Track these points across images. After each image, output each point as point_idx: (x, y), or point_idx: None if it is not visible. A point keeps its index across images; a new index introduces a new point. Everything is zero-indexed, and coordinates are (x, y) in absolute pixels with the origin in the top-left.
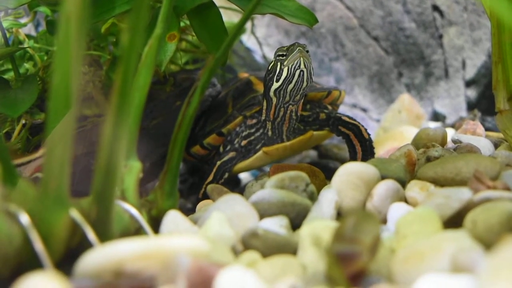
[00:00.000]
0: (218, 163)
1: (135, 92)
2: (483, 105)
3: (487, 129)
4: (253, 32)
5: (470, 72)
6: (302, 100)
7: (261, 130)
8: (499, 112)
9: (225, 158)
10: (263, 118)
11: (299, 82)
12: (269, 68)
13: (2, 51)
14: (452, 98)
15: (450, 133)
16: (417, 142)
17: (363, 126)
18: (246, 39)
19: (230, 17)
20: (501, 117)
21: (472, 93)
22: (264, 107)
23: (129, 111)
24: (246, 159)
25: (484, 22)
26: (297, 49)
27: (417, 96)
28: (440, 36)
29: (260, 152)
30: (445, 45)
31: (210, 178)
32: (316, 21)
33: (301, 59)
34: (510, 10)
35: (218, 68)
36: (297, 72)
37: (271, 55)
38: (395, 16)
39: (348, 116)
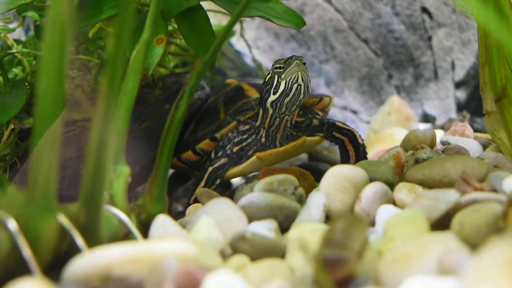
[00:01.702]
0: (210, 169)
1: (123, 96)
2: (473, 106)
3: (476, 130)
4: (242, 35)
5: (459, 74)
6: (297, 110)
7: (253, 136)
8: (487, 114)
9: (217, 164)
10: (257, 124)
11: (296, 95)
12: (266, 79)
13: None
14: (442, 99)
15: (440, 134)
16: (406, 144)
17: (357, 131)
18: (236, 42)
19: (220, 20)
20: (488, 118)
21: (461, 94)
22: (260, 115)
23: (116, 115)
24: (238, 165)
25: (472, 24)
26: (295, 62)
27: (406, 98)
28: (429, 38)
29: (253, 158)
30: (434, 46)
31: (202, 183)
32: (304, 23)
33: (299, 73)
34: (495, 20)
35: (206, 71)
36: (295, 86)
37: (260, 58)
38: (384, 18)
39: (341, 122)
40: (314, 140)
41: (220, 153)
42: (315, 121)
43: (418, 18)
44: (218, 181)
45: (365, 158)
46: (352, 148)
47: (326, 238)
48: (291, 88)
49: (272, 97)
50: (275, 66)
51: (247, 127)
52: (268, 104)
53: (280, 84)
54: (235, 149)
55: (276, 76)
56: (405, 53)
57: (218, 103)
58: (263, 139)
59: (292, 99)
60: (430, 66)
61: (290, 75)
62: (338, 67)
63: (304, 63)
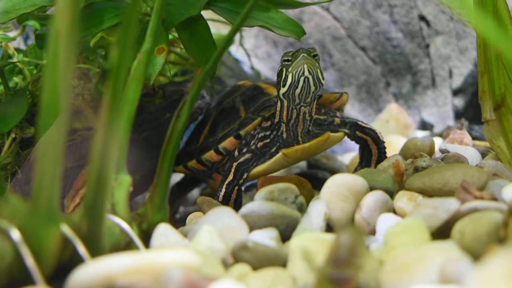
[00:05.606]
0: (235, 164)
1: (125, 106)
2: (470, 114)
3: (474, 138)
4: (241, 44)
5: (457, 81)
6: (315, 102)
7: (274, 132)
8: (486, 122)
9: (242, 159)
10: (276, 120)
11: (306, 88)
12: (278, 71)
13: None
14: (440, 107)
15: (438, 142)
16: (405, 152)
17: (377, 129)
18: (235, 50)
19: (219, 29)
20: (487, 127)
21: (459, 101)
22: (278, 109)
23: (119, 125)
24: (263, 163)
25: (470, 31)
26: (301, 55)
27: (404, 106)
28: (427, 46)
29: (279, 155)
30: (432, 54)
31: (230, 177)
32: (304, 33)
33: (305, 66)
34: (494, 29)
35: (207, 80)
36: (302, 78)
37: (259, 66)
38: (382, 26)
39: (362, 121)
40: (338, 136)
41: (244, 150)
42: (337, 120)
43: (415, 26)
44: (245, 175)
45: (385, 156)
46: (375, 147)
47: (330, 256)
48: (299, 81)
49: (283, 89)
50: (283, 58)
51: (269, 123)
52: (281, 96)
53: (287, 77)
54: (259, 144)
55: (284, 69)
56: (403, 60)
57: (235, 103)
58: (284, 135)
59: (303, 91)
60: (427, 73)
61: (296, 68)
62: (336, 75)
63: (315, 55)
